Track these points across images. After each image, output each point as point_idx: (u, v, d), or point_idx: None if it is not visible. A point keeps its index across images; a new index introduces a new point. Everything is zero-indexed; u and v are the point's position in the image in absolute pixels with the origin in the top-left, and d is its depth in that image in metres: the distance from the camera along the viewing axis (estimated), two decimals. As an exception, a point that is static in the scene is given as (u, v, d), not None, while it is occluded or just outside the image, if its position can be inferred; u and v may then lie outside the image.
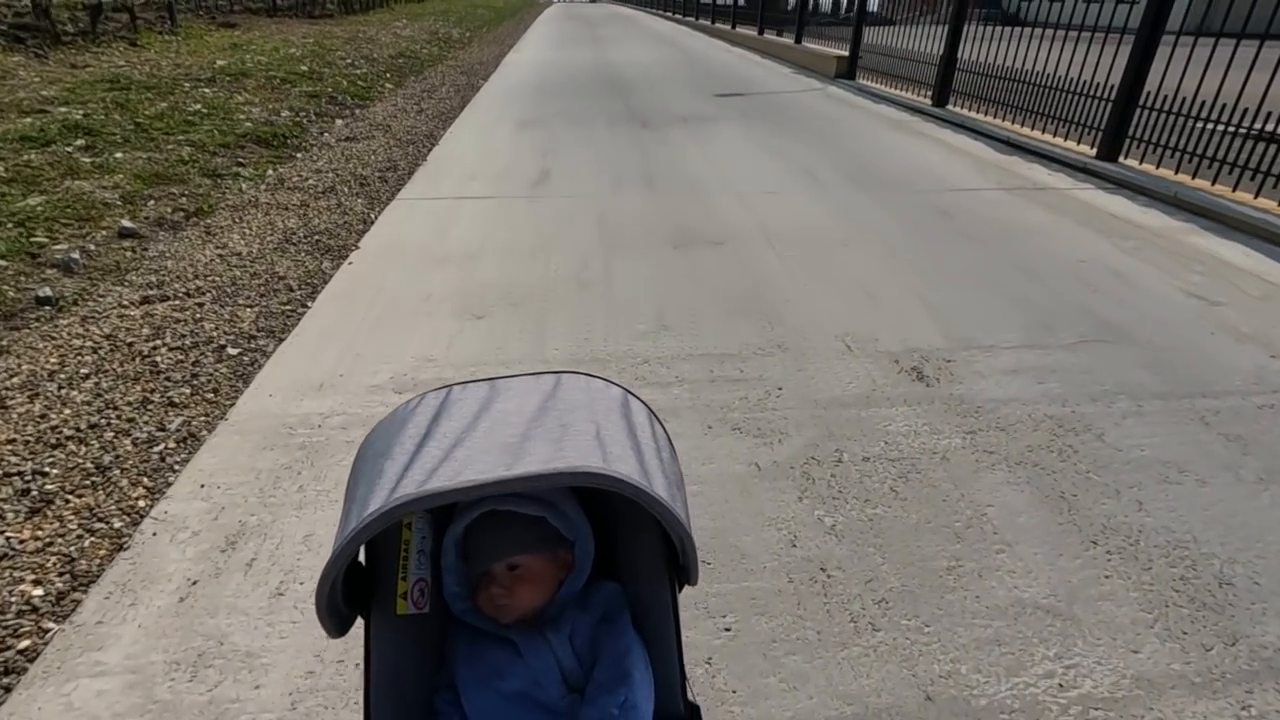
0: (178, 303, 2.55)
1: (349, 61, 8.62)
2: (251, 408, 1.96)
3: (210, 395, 2.02)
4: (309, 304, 2.58)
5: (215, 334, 2.34)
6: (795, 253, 3.12)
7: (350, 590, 0.74)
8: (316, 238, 3.23)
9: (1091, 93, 4.71)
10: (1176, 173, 4.13)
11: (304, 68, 7.59)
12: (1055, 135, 5.15)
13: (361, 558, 0.80)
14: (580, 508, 0.84)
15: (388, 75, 8.20)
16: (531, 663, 0.78)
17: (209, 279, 2.76)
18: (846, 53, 8.90)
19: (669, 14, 24.56)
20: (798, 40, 10.85)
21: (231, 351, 2.24)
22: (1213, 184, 3.91)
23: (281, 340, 2.32)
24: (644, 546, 0.86)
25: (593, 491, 0.81)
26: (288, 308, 2.55)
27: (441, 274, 2.85)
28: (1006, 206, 3.81)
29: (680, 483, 0.79)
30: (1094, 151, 4.68)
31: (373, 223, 3.45)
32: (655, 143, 5.17)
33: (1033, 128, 5.41)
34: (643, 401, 0.81)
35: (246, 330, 2.37)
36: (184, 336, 2.31)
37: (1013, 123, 5.66)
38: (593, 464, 0.66)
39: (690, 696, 0.85)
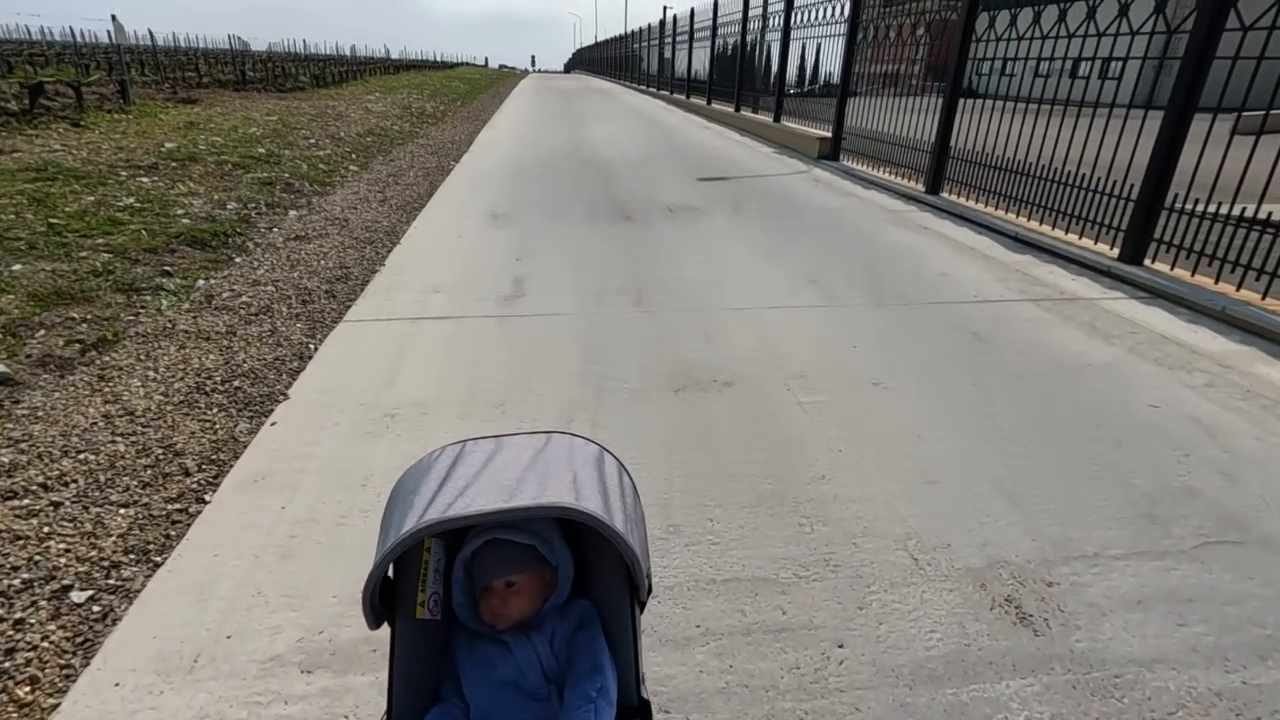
0: (25, 503, 1.92)
1: (313, 141, 8.20)
2: (81, 715, 1.33)
3: (24, 691, 1.38)
4: (206, 497, 1.97)
5: (62, 562, 1.71)
6: (820, 398, 2.61)
7: (383, 595, 0.95)
8: (237, 383, 2.63)
9: (1109, 190, 4.40)
10: (1217, 282, 3.77)
11: (262, 149, 7.12)
12: (1068, 232, 4.82)
13: (390, 573, 1.00)
14: (563, 539, 1.06)
15: (353, 156, 7.78)
16: (518, 657, 0.99)
17: (81, 457, 2.14)
18: (829, 134, 8.74)
19: (642, 87, 25.01)
20: (776, 119, 10.77)
21: (76, 598, 1.61)
22: (1264, 297, 3.54)
23: (156, 567, 1.71)
24: (609, 571, 1.05)
25: (574, 527, 1.06)
26: (176, 506, 1.94)
27: (386, 440, 2.27)
28: (1042, 325, 3.38)
29: (640, 520, 1.03)
30: (1115, 252, 4.33)
31: (310, 357, 2.88)
32: (641, 241, 4.73)
33: (1040, 222, 5.09)
34: (615, 457, 1.02)
35: (108, 554, 1.75)
36: (14, 570, 1.68)
37: (1016, 215, 5.36)
38: (566, 500, 0.87)
39: (644, 694, 1.02)
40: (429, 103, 15.80)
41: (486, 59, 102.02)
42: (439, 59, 69.91)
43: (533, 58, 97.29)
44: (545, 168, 7.60)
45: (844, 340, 3.16)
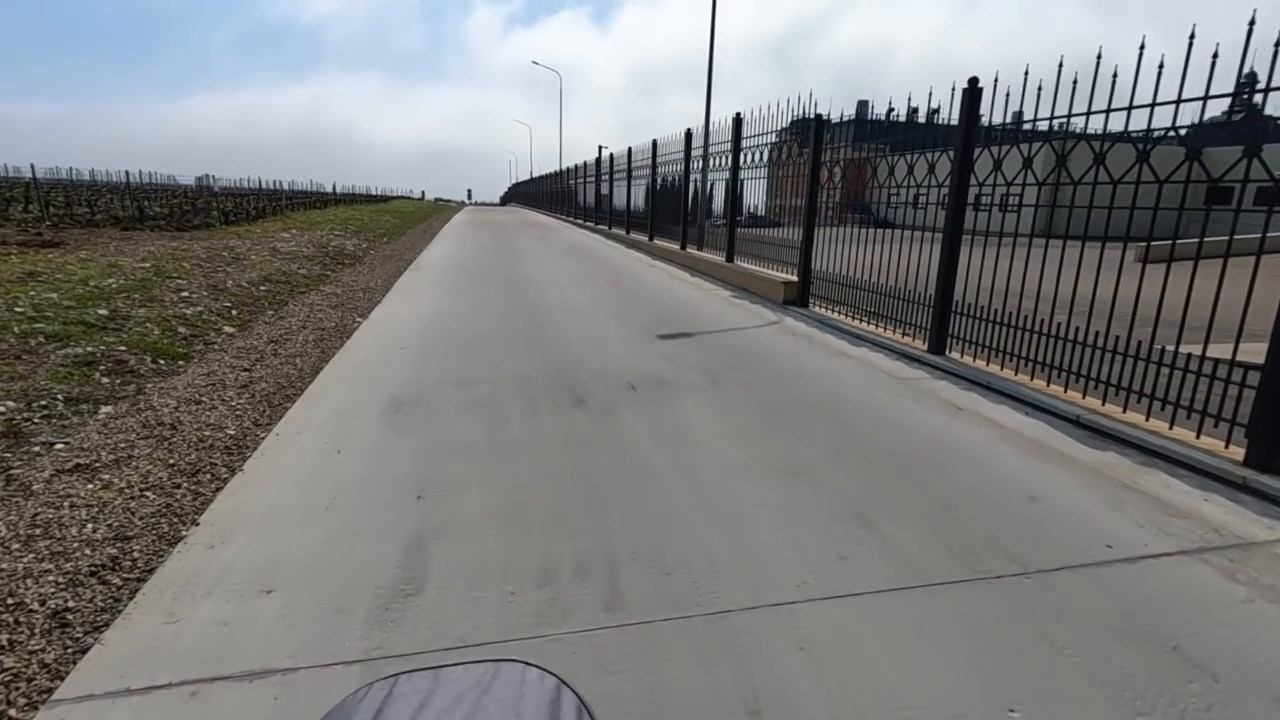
0: None
1: (186, 294, 6.73)
2: None
3: None
4: None
5: None
6: None
7: None
8: None
9: (1214, 373, 3.40)
10: None
11: (104, 310, 5.59)
12: (1149, 416, 3.78)
13: None
14: None
15: (233, 313, 6.32)
16: None
17: None
18: (794, 277, 7.92)
19: (580, 221, 24.91)
20: (729, 258, 10.03)
21: None
22: None
23: None
24: None
25: None
26: None
27: None
28: (1241, 616, 2.14)
29: None
30: (1229, 447, 3.27)
31: None
32: (601, 448, 3.38)
33: (1103, 400, 4.06)
34: (575, 693, 0.77)
35: None
36: None
37: (1051, 383, 4.34)
38: None
39: None
40: (351, 240, 14.68)
41: (423, 192, 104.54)
42: (375, 192, 70.71)
43: (469, 191, 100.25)
44: (474, 322, 6.34)
45: (976, 689, 1.80)
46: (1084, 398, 4.20)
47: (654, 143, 14.13)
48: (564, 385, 4.41)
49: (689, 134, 11.97)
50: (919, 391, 4.52)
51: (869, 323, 6.51)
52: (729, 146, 10.39)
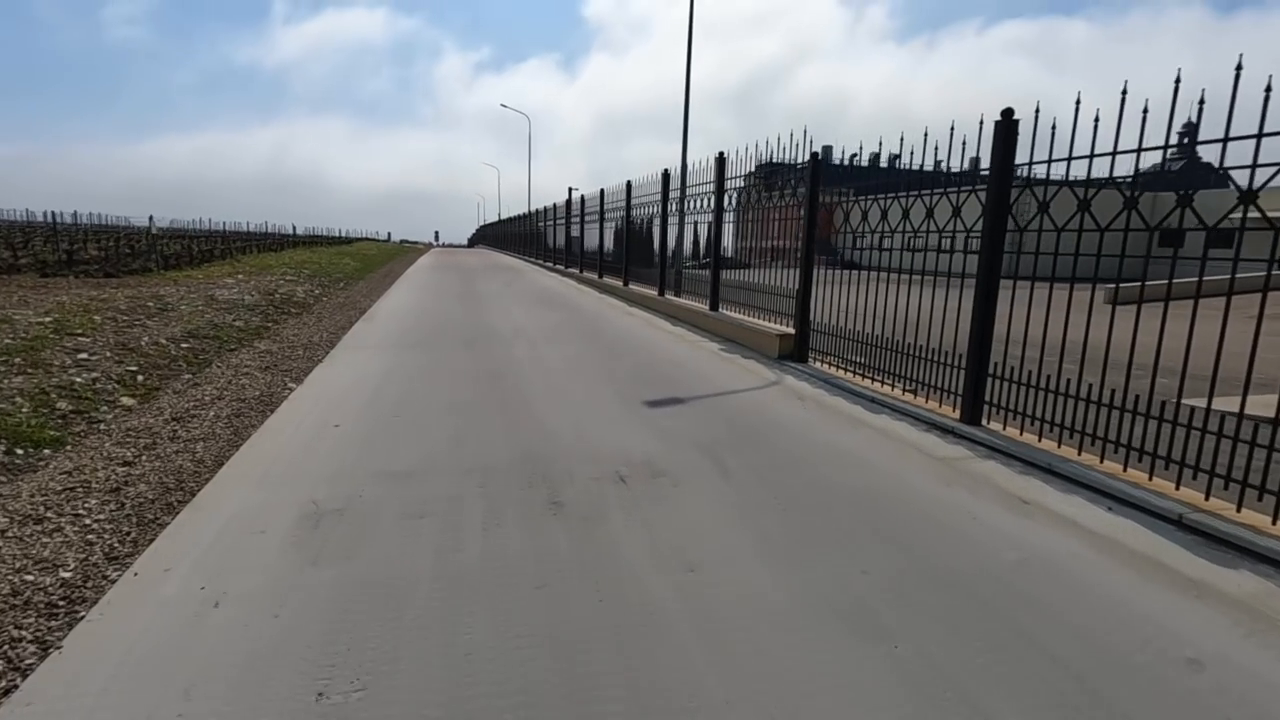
0: None
1: (86, 355, 5.69)
2: None
3: None
4: None
5: None
6: None
7: None
8: None
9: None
10: None
11: (-35, 382, 4.54)
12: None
13: None
14: None
15: (138, 378, 5.31)
16: None
17: None
18: (789, 329, 7.18)
19: (549, 264, 24.18)
20: (714, 306, 9.30)
21: None
22: None
23: None
24: None
25: None
26: None
27: None
28: None
29: None
30: None
31: None
32: (586, 576, 2.49)
33: (1205, 493, 3.30)
34: None
35: None
36: None
37: (1106, 459, 3.59)
38: None
39: None
40: (303, 285, 13.64)
41: (389, 234, 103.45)
42: (340, 233, 69.49)
43: (436, 233, 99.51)
44: (429, 388, 5.42)
45: None
46: (1151, 479, 3.46)
47: (628, 184, 13.53)
48: (536, 477, 3.51)
49: (666, 175, 11.37)
50: (967, 477, 3.73)
51: (882, 382, 5.76)
52: (708, 188, 9.78)
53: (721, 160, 8.84)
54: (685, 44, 14.73)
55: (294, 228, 54.14)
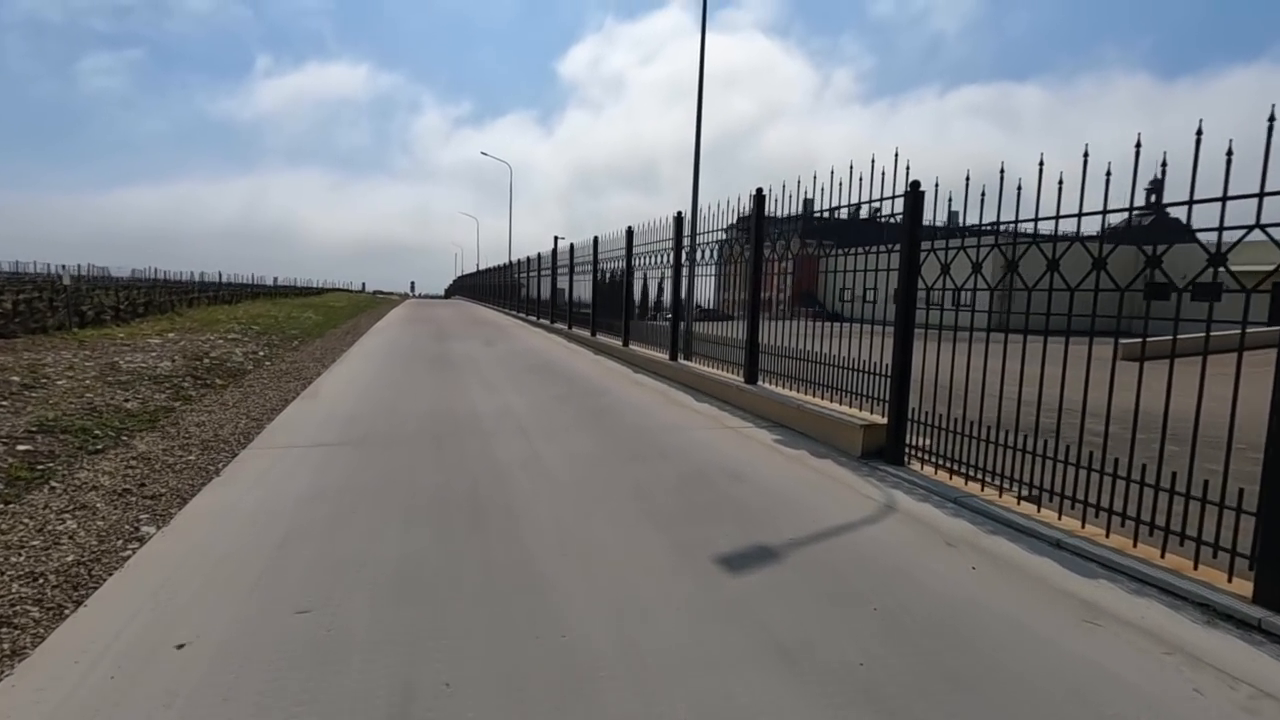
0: None
1: None
2: None
3: None
4: None
5: None
6: None
7: None
8: None
9: None
10: None
11: None
12: None
13: None
14: None
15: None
16: None
17: None
18: (879, 418, 5.33)
19: (532, 318, 22.32)
20: (751, 379, 7.43)
21: None
22: None
23: None
24: None
25: None
26: None
27: None
28: None
29: None
30: None
31: None
32: None
33: None
34: None
35: None
36: None
37: None
38: None
39: None
40: (247, 346, 11.55)
41: (364, 284, 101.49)
42: (312, 284, 67.32)
43: (412, 284, 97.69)
44: (370, 535, 3.41)
45: None
46: None
47: (629, 230, 11.84)
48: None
49: (679, 218, 9.67)
50: None
51: (1058, 510, 3.88)
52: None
53: (760, 199, 7.13)
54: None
55: (275, 279, 52.20)
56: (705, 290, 10.76)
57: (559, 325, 18.03)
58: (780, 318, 7.38)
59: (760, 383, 7.35)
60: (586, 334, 14.66)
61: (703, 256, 9.66)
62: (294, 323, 17.46)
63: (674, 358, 9.72)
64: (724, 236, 8.83)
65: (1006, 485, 4.28)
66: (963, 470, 4.58)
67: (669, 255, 10.20)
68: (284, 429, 5.70)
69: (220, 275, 40.58)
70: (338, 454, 4.89)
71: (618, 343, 12.37)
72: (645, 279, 12.24)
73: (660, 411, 7.02)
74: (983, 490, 4.36)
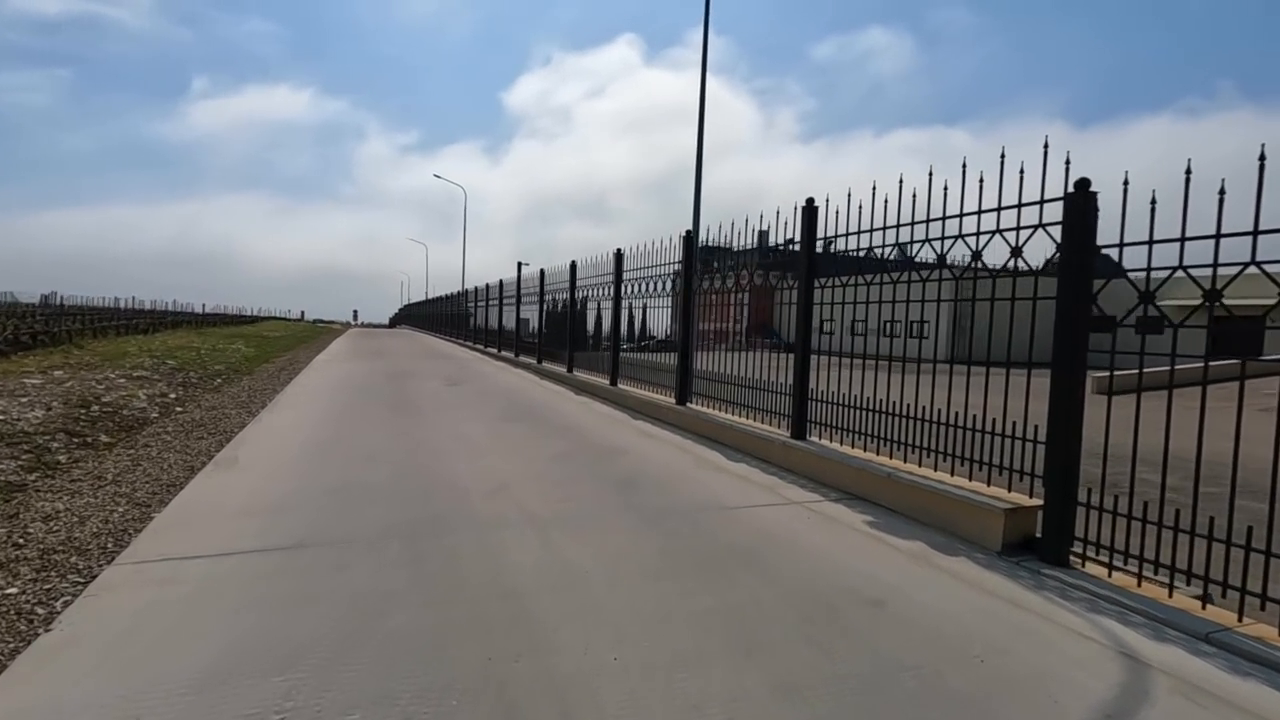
0: None
1: None
2: None
3: None
4: None
5: None
6: None
7: None
8: None
9: None
10: None
11: None
12: None
13: None
14: None
15: None
16: None
17: None
18: (1030, 500, 3.94)
19: (494, 350, 20.52)
20: (799, 435, 5.96)
21: None
22: None
23: None
24: None
25: None
26: None
27: None
28: None
29: None
30: None
31: None
32: None
33: None
34: None
35: None
36: None
37: None
38: None
39: None
40: (155, 386, 9.50)
41: (303, 312, 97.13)
42: (249, 312, 63.59)
43: (355, 312, 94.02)
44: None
45: None
46: None
47: (618, 253, 10.39)
48: None
49: (689, 237, 8.27)
50: None
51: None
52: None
53: (813, 211, 5.78)
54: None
55: (203, 306, 48.90)
56: (708, 320, 9.37)
57: (525, 359, 16.34)
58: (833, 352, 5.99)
59: (811, 438, 5.91)
60: (561, 369, 13.04)
61: (710, 285, 8.31)
62: (219, 356, 15.25)
63: (681, 401, 8.22)
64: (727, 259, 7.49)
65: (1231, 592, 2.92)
66: (1161, 571, 3.22)
67: (663, 284, 8.80)
68: (179, 524, 3.92)
69: (142, 302, 37.04)
70: (256, 579, 3.16)
71: (603, 381, 10.81)
72: (631, 308, 10.80)
73: (698, 479, 5.48)
74: (1205, 607, 2.99)
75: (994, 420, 4.16)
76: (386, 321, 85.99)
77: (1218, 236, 3.03)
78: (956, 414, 4.46)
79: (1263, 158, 2.86)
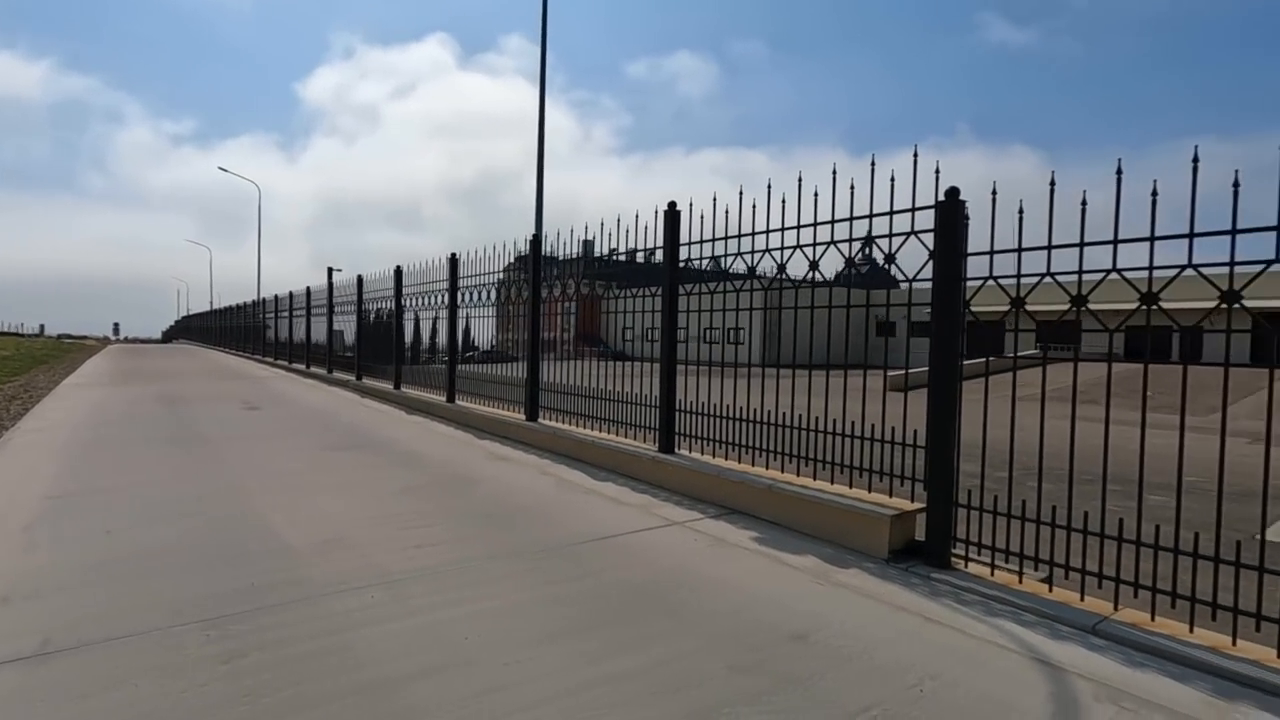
0: None
1: None
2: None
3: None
4: None
5: None
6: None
7: None
8: None
9: None
10: None
11: None
12: None
13: None
14: None
15: None
16: None
17: None
18: (911, 504, 3.95)
19: (296, 365, 18.21)
20: (666, 448, 5.67)
21: None
22: None
23: None
24: None
25: None
26: None
27: None
28: None
29: None
30: None
31: None
32: None
33: None
34: None
35: None
36: None
37: None
38: None
39: None
40: None
41: (42, 327, 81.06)
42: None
43: (116, 325, 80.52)
44: None
45: None
46: None
47: (452, 258, 9.53)
48: None
49: (535, 240, 7.72)
50: None
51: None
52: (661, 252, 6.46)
53: (675, 214, 5.55)
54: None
55: None
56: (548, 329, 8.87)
57: (341, 375, 14.63)
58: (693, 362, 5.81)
59: (680, 452, 5.67)
60: (386, 386, 11.76)
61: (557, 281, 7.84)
62: (-84, 385, 11.80)
63: (533, 417, 7.64)
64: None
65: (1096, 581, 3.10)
66: (1040, 567, 3.37)
67: (490, 293, 8.19)
68: None
69: None
70: (-26, 713, 2.15)
71: (439, 398, 9.85)
72: (464, 319, 9.98)
73: (570, 505, 4.96)
74: (1090, 597, 3.15)
75: (873, 426, 4.16)
76: (159, 336, 74.26)
77: (1031, 248, 3.20)
78: (834, 421, 4.43)
79: (1120, 172, 3.04)
